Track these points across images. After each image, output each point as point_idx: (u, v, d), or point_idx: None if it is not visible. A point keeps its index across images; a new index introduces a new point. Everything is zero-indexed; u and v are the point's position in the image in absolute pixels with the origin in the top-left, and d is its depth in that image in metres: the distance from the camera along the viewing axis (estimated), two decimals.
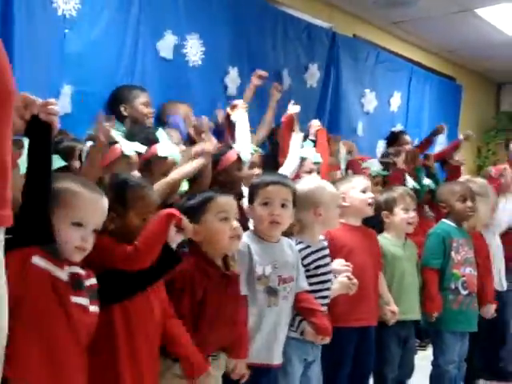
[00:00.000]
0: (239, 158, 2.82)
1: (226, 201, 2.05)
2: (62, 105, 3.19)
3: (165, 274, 1.82)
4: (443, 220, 3.46)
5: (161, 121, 3.55)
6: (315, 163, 3.45)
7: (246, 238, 2.22)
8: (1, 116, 1.21)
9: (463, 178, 4.37)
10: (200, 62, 4.02)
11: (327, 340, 2.36)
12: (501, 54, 6.82)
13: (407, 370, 3.17)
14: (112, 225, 1.78)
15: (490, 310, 3.48)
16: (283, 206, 2.26)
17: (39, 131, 1.52)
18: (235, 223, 2.04)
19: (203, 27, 4.03)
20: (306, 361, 2.45)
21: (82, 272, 1.61)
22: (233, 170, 2.78)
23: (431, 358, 3.37)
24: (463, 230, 3.41)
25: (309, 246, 2.48)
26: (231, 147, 2.92)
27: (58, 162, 2.29)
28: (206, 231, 1.99)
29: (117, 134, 2.42)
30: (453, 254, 3.28)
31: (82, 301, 1.57)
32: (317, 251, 2.49)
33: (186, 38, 3.93)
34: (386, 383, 3.06)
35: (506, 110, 8.13)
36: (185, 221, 1.80)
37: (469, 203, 3.35)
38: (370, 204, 2.88)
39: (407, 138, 5.43)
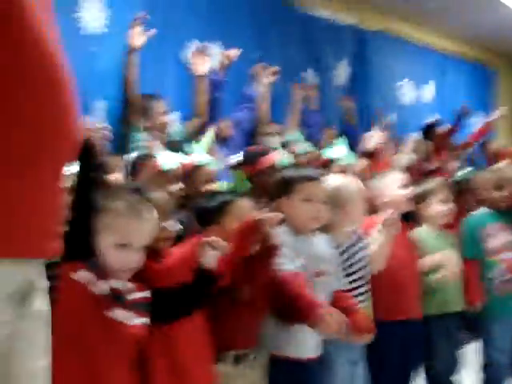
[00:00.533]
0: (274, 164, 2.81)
1: (245, 204, 2.04)
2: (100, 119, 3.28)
3: (203, 296, 1.81)
4: (475, 212, 3.35)
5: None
6: (347, 165, 3.43)
7: (279, 231, 2.15)
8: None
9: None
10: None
11: (366, 339, 2.29)
12: None
13: (454, 363, 3.12)
14: None
15: None
16: (324, 202, 2.24)
17: (88, 153, 1.56)
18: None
19: (225, 34, 4.07)
20: (352, 360, 2.43)
21: (126, 285, 1.63)
22: (267, 175, 2.73)
23: (480, 350, 3.32)
24: (498, 214, 3.28)
25: (341, 244, 2.44)
26: (269, 150, 2.89)
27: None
28: (226, 234, 1.95)
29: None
30: (487, 241, 3.20)
31: (122, 314, 1.59)
32: (348, 248, 2.45)
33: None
34: (437, 377, 3.02)
35: None
36: (215, 240, 1.79)
37: (505, 192, 3.28)
38: (407, 199, 2.87)
39: (442, 128, 5.36)
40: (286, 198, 2.24)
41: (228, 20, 4.15)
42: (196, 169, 2.62)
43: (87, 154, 1.55)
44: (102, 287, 1.57)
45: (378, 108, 5.09)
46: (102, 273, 1.58)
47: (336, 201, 2.39)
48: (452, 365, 3.11)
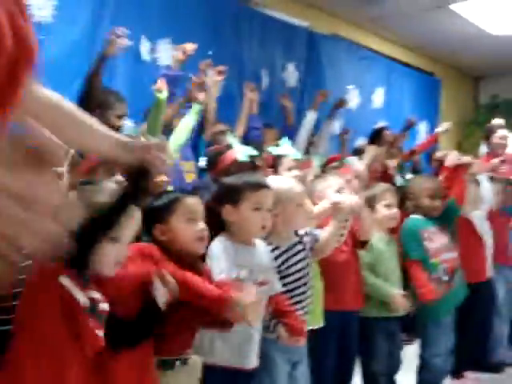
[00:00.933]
0: (236, 160, 2.78)
1: (193, 202, 2.00)
2: None
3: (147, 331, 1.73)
4: (411, 216, 3.42)
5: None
6: (295, 160, 3.45)
7: (220, 241, 2.16)
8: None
9: None
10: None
11: (302, 341, 2.29)
12: (477, 48, 6.89)
13: (395, 364, 3.19)
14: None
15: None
16: (269, 210, 2.21)
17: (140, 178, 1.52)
18: (201, 225, 1.96)
19: (176, 31, 4.03)
20: (291, 361, 2.42)
21: (98, 296, 1.58)
22: (231, 172, 2.65)
23: (418, 351, 3.40)
24: (431, 219, 3.38)
25: (277, 248, 2.42)
26: (230, 147, 2.86)
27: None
28: (172, 233, 1.94)
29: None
30: (426, 244, 3.28)
31: (95, 324, 1.55)
32: (286, 251, 2.43)
33: (158, 43, 3.93)
34: (373, 377, 3.09)
35: (485, 104, 8.20)
36: (169, 279, 1.73)
37: (436, 202, 3.36)
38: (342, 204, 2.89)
39: (389, 133, 5.44)
40: (233, 206, 2.18)
41: (180, 17, 4.11)
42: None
43: (139, 178, 1.52)
44: (83, 298, 1.52)
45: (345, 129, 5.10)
46: (86, 281, 1.54)
47: (276, 204, 2.31)
48: (393, 366, 3.19)
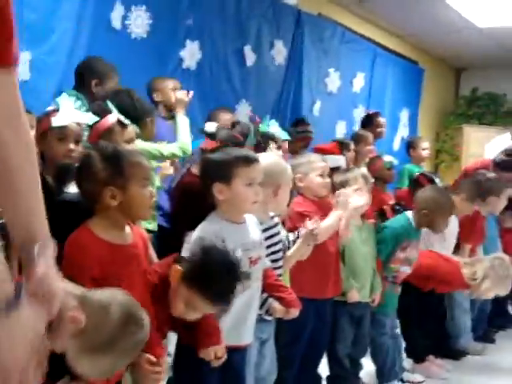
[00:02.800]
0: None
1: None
2: (21, 71, 3.12)
3: None
4: (406, 214, 3.47)
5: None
6: (282, 141, 3.45)
7: (212, 223, 2.13)
8: None
9: None
10: (145, 36, 3.92)
11: (296, 313, 2.31)
12: (461, 40, 6.92)
13: (361, 348, 3.25)
14: (114, 201, 1.72)
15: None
16: (260, 184, 2.18)
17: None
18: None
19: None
20: (261, 339, 2.43)
21: None
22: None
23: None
24: (419, 231, 3.45)
25: (260, 223, 2.37)
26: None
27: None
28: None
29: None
30: (398, 251, 3.32)
31: None
32: (268, 229, 2.42)
33: (131, 10, 3.84)
34: (338, 358, 3.13)
35: (465, 95, 8.26)
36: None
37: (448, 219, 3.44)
38: (325, 187, 2.91)
39: (381, 119, 5.42)
40: (224, 183, 2.12)
41: None
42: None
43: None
44: None
45: None
46: None
47: (269, 182, 2.31)
48: (359, 351, 3.23)
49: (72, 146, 2.14)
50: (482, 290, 3.55)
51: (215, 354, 1.97)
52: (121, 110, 2.54)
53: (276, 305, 2.30)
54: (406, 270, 3.38)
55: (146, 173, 1.81)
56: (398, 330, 3.59)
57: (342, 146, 4.12)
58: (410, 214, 3.47)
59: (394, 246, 3.31)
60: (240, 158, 2.15)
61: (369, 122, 5.28)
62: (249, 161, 2.15)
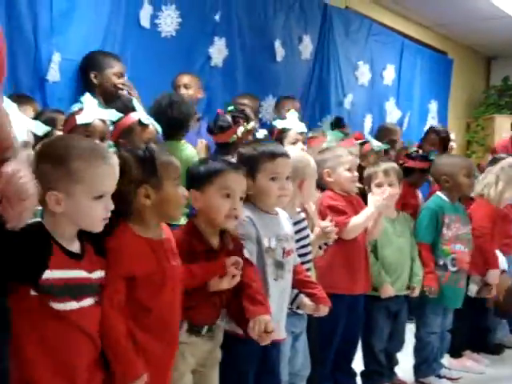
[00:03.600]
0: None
1: (234, 178, 1.96)
2: (52, 73, 3.16)
3: None
4: (438, 193, 3.45)
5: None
6: (300, 133, 3.43)
7: (249, 213, 2.14)
8: None
9: None
10: (174, 34, 3.95)
11: (326, 310, 2.30)
12: (491, 28, 6.80)
13: (397, 343, 3.21)
14: (148, 200, 1.73)
15: (493, 276, 3.51)
16: (287, 178, 2.19)
17: None
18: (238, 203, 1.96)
19: None
20: (294, 333, 2.43)
21: None
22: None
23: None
24: (457, 206, 3.40)
25: (290, 218, 2.38)
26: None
27: (41, 128, 2.26)
28: (205, 204, 1.94)
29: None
30: (444, 230, 3.28)
31: None
32: (296, 223, 2.41)
33: (161, 9, 3.87)
34: (373, 354, 3.11)
35: (496, 85, 8.11)
36: None
37: (472, 179, 3.38)
38: (353, 181, 2.89)
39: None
40: (250, 177, 2.12)
41: None
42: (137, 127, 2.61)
43: None
44: None
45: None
46: None
47: (294, 176, 2.31)
48: (395, 345, 3.20)
49: (97, 142, 2.16)
50: (497, 193, 3.56)
51: (265, 327, 1.89)
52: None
53: (306, 301, 2.30)
54: (462, 249, 3.30)
55: (177, 172, 1.81)
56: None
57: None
58: (441, 192, 3.43)
59: (435, 226, 3.25)
60: (265, 153, 2.17)
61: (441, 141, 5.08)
62: (273, 155, 2.17)
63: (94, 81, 3.21)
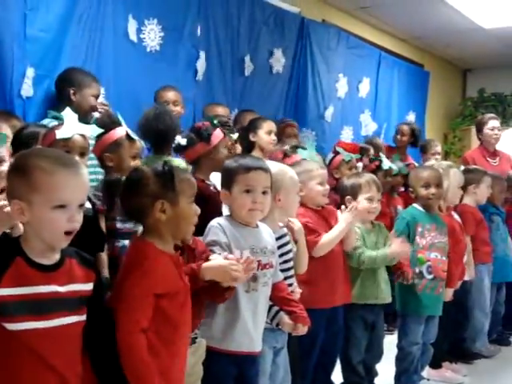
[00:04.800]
0: (130, 138, 2.59)
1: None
2: (25, 88, 3.13)
3: None
4: (413, 205, 3.48)
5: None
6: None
7: (222, 222, 2.17)
8: None
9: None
10: (158, 48, 3.97)
11: (304, 330, 2.30)
12: (466, 41, 6.91)
13: (376, 354, 3.19)
14: (163, 215, 1.74)
15: (448, 294, 3.48)
16: (264, 192, 2.19)
17: None
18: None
19: (163, 12, 3.98)
20: (276, 348, 2.42)
21: None
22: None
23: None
24: (433, 216, 3.41)
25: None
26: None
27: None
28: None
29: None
30: (417, 238, 3.30)
31: None
32: (279, 238, 2.40)
33: (144, 23, 3.88)
34: (351, 366, 3.09)
35: (472, 96, 8.22)
36: None
37: (432, 189, 3.37)
38: (325, 195, 2.90)
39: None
40: (228, 190, 2.19)
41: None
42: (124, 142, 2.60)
43: None
44: None
45: None
46: None
47: (277, 189, 2.34)
48: (374, 356, 3.19)
49: (77, 158, 2.15)
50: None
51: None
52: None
53: (286, 319, 2.28)
54: (439, 257, 3.32)
55: (193, 190, 1.84)
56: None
57: (362, 151, 4.17)
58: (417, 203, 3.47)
59: (407, 235, 3.27)
60: (241, 166, 2.20)
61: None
62: (248, 168, 2.18)
63: (73, 98, 3.19)
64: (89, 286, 1.56)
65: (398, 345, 3.38)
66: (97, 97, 3.28)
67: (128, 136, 2.59)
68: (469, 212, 4.00)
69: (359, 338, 3.07)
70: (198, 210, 1.83)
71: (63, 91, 3.20)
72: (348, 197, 3.07)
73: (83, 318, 1.54)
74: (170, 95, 3.73)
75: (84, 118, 2.94)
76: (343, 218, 2.85)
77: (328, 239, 2.80)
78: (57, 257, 1.52)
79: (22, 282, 1.43)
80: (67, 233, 1.48)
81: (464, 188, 3.93)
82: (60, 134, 2.31)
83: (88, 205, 2.16)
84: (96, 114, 3.19)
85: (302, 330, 2.28)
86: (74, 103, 3.15)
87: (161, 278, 1.69)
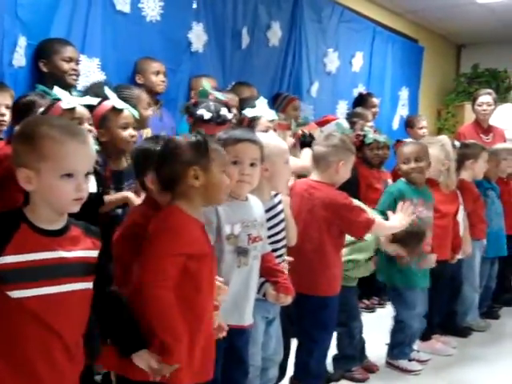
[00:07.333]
0: (115, 109, 2.61)
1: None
2: (17, 58, 3.09)
3: None
4: (400, 179, 3.48)
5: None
6: (271, 121, 3.42)
7: None
8: None
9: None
10: (158, 18, 3.93)
11: (289, 300, 2.30)
12: (461, 15, 6.87)
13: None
14: (196, 181, 1.79)
15: (430, 260, 3.41)
16: (252, 164, 2.19)
17: None
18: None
19: None
20: (268, 318, 2.44)
21: None
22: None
23: (391, 314, 3.48)
24: (420, 190, 3.41)
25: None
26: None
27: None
28: None
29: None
30: None
31: None
32: (268, 210, 2.40)
33: None
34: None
35: (466, 72, 8.20)
36: None
37: (412, 164, 3.35)
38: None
39: (374, 100, 5.45)
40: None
41: None
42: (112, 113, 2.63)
43: None
44: None
45: None
46: None
47: (264, 160, 2.28)
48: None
49: (72, 122, 2.12)
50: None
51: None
52: None
53: (270, 289, 2.28)
54: None
55: (224, 160, 1.89)
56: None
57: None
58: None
59: (393, 209, 3.22)
60: (230, 138, 2.20)
61: (362, 102, 5.29)
62: (237, 140, 2.19)
63: (44, 69, 3.12)
64: (95, 253, 1.58)
65: (396, 317, 3.41)
66: (69, 59, 3.15)
67: (114, 108, 2.59)
68: (467, 188, 3.99)
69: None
70: (228, 180, 1.89)
71: (38, 67, 3.14)
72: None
73: (90, 285, 1.56)
74: (155, 65, 3.70)
75: (65, 87, 2.78)
76: (398, 218, 2.92)
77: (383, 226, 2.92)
78: (62, 224, 1.53)
79: (27, 248, 1.44)
80: (76, 200, 1.51)
81: (461, 163, 3.93)
82: (65, 104, 2.36)
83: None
84: (70, 80, 3.12)
85: (285, 300, 2.28)
86: (47, 74, 3.09)
87: (190, 238, 1.77)
